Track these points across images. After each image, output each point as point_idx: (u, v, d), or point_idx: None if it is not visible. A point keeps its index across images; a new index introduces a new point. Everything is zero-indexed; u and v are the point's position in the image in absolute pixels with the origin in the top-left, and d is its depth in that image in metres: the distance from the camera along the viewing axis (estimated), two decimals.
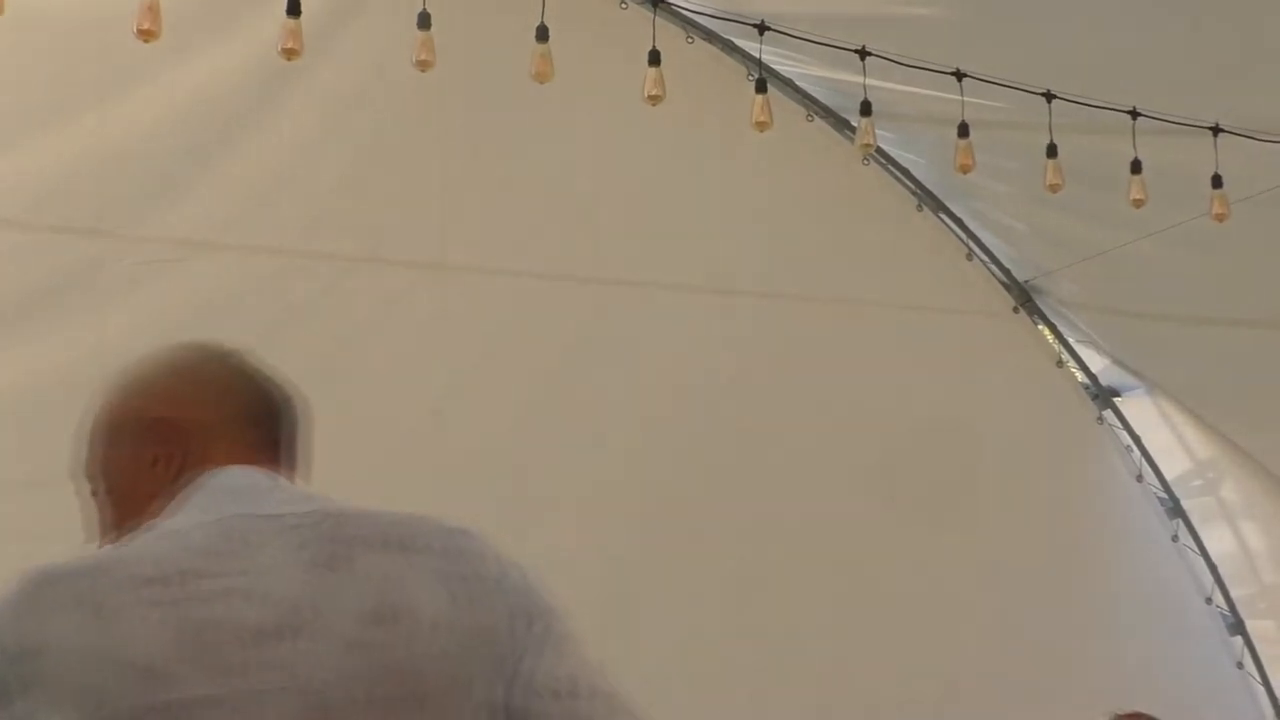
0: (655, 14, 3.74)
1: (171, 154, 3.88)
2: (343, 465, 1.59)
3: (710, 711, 3.96)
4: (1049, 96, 3.68)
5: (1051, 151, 3.68)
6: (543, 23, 3.30)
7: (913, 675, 4.37)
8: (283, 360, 1.38)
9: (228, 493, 1.22)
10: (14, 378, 3.73)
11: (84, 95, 3.76)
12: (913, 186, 4.71)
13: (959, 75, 3.72)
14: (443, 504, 1.37)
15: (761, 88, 3.73)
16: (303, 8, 3.20)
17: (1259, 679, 4.96)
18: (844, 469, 4.42)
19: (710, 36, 4.22)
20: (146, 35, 3.12)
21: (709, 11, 4.05)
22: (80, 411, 1.35)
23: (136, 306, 3.82)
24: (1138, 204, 3.75)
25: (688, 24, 4.14)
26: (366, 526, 1.22)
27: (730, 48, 4.23)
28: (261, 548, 1.16)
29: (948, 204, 4.76)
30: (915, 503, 4.34)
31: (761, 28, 3.78)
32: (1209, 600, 5.00)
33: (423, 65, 3.32)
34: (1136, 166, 3.72)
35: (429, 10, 3.24)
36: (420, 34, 3.26)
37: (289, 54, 3.28)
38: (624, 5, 4.04)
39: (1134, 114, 3.71)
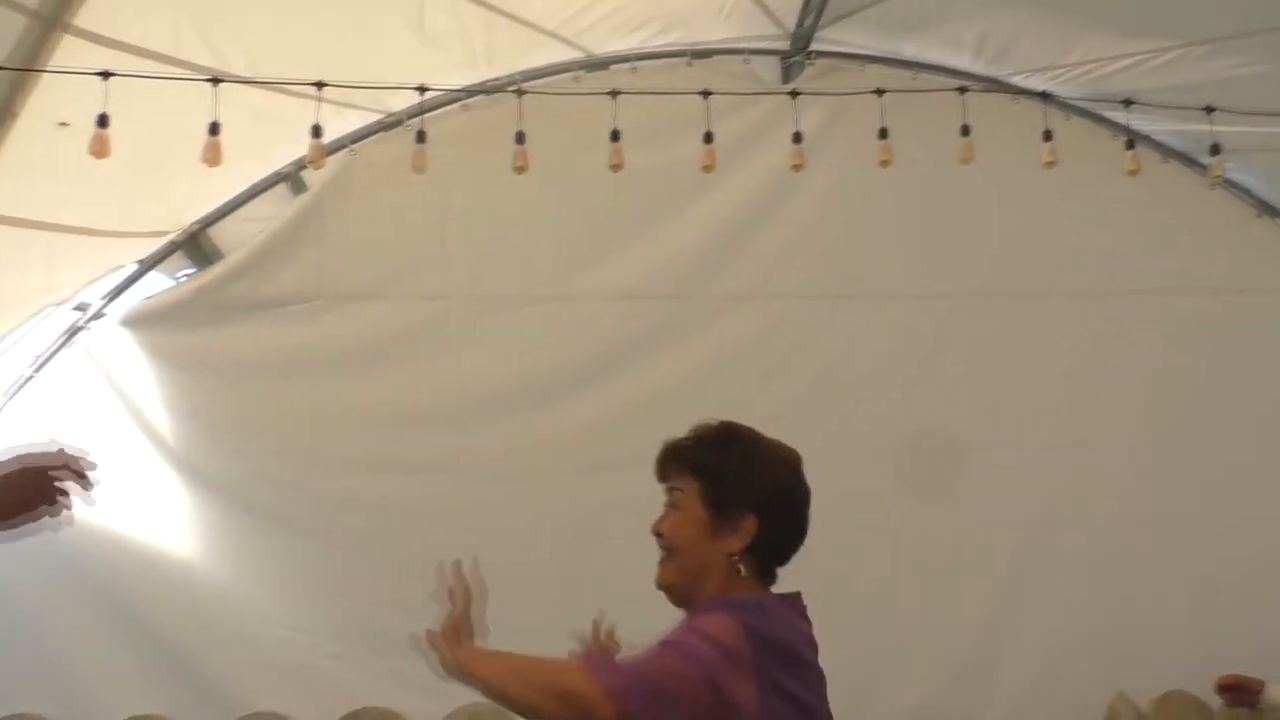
0: (1045, 104, 5.41)
1: (718, 240, 5.85)
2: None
3: None
4: None
5: None
6: (966, 124, 5.02)
7: None
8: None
9: None
10: (611, 411, 5.68)
11: (664, 207, 5.79)
12: (1252, 201, 6.06)
13: None
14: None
15: (1130, 145, 5.30)
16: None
17: None
18: None
19: (1083, 113, 5.79)
20: (707, 169, 5.09)
21: (1086, 96, 5.64)
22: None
23: (702, 350, 5.77)
24: None
25: (1065, 107, 5.74)
26: None
27: (1099, 119, 5.77)
28: None
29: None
30: None
31: (1127, 102, 5.35)
32: None
33: (884, 164, 5.08)
34: None
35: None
36: (880, 142, 5.02)
37: (798, 168, 5.17)
38: (1015, 100, 5.69)
39: None
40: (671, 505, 2.06)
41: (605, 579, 5.43)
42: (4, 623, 5.41)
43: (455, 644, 1.92)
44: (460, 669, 1.88)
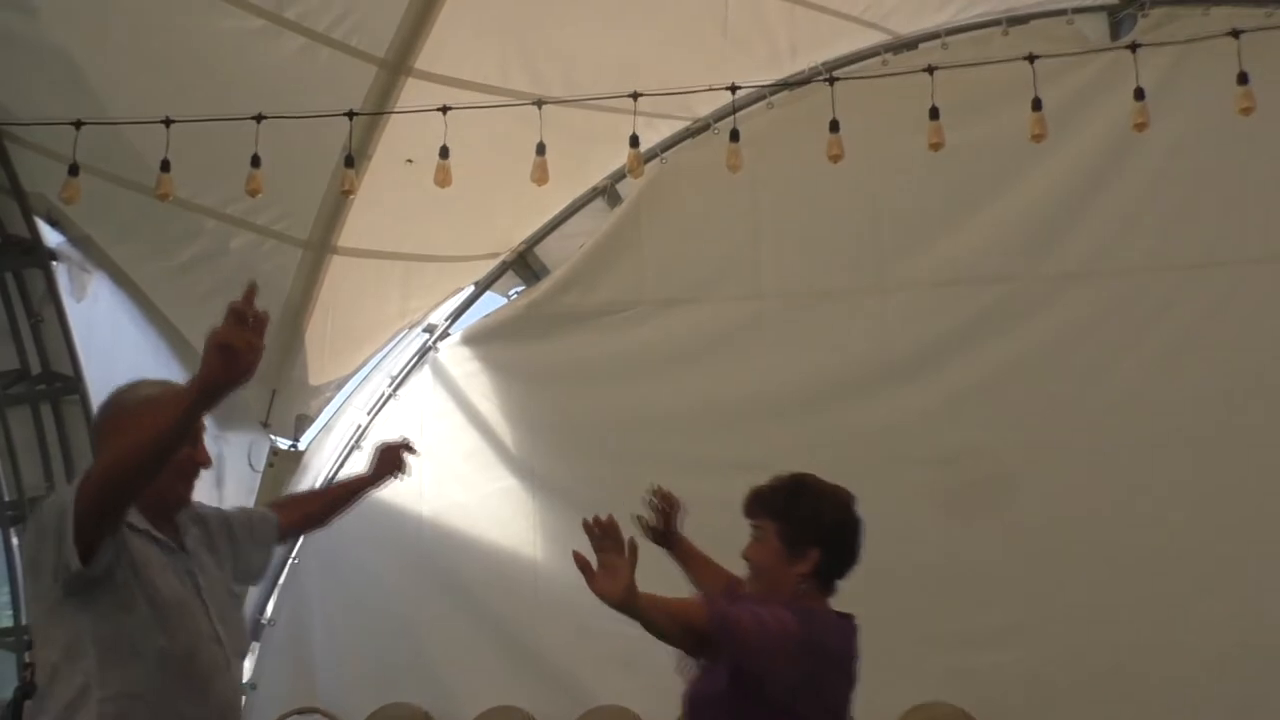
0: None
1: (1046, 216, 5.51)
2: None
3: None
4: None
5: None
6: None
7: None
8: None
9: None
10: (935, 403, 5.47)
11: (984, 185, 5.52)
12: None
13: None
14: None
15: None
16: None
17: None
18: None
19: None
20: (1037, 139, 4.74)
21: None
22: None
23: (1032, 335, 5.46)
24: None
25: None
26: None
27: None
28: None
29: None
30: None
31: None
32: None
33: (1245, 112, 4.56)
34: None
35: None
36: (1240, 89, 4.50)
37: (1141, 127, 4.74)
38: None
39: None
40: (756, 538, 2.65)
41: (931, 568, 5.33)
42: (380, 618, 5.92)
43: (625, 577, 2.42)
44: (627, 598, 2.39)
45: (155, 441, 2.06)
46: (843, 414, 5.54)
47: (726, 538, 5.35)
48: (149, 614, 2.23)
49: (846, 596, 5.82)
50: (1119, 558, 5.17)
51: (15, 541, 5.71)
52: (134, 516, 2.26)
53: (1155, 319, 5.40)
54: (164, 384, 2.44)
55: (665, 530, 3.08)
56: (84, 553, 2.11)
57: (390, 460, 3.01)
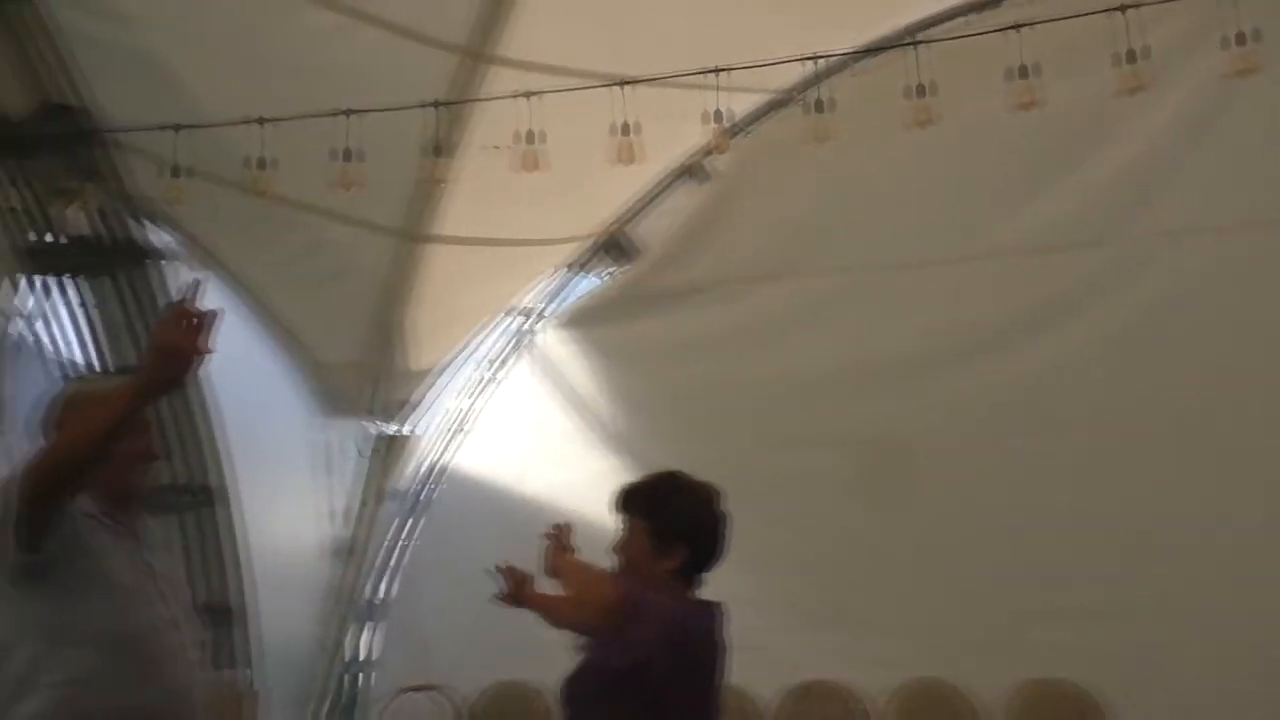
0: None
1: (1144, 172, 5.31)
2: None
3: None
4: None
5: None
6: None
7: None
8: None
9: None
10: (1030, 373, 5.34)
11: (1078, 143, 5.35)
12: None
13: None
14: None
15: None
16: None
17: None
18: None
19: None
20: (1133, 91, 4.57)
21: None
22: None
23: (1129, 300, 5.28)
24: None
25: None
26: None
27: None
28: None
29: None
30: None
31: None
32: None
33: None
34: None
35: None
36: None
37: (1241, 74, 4.53)
38: None
39: None
40: (625, 535, 2.72)
41: (1034, 539, 5.22)
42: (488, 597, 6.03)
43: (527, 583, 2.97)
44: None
45: (91, 435, 2.14)
46: (944, 382, 5.45)
47: (828, 514, 5.39)
48: (101, 599, 2.28)
49: (958, 573, 5.70)
50: (1245, 526, 4.96)
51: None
52: (88, 504, 2.33)
53: (1269, 276, 5.16)
54: (109, 379, 2.53)
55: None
56: (29, 541, 2.18)
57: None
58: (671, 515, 2.70)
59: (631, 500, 2.75)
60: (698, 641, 2.66)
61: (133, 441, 2.34)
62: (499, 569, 3.02)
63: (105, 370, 5.76)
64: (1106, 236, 5.34)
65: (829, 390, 5.60)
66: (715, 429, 5.77)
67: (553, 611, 2.85)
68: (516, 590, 2.97)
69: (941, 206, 5.54)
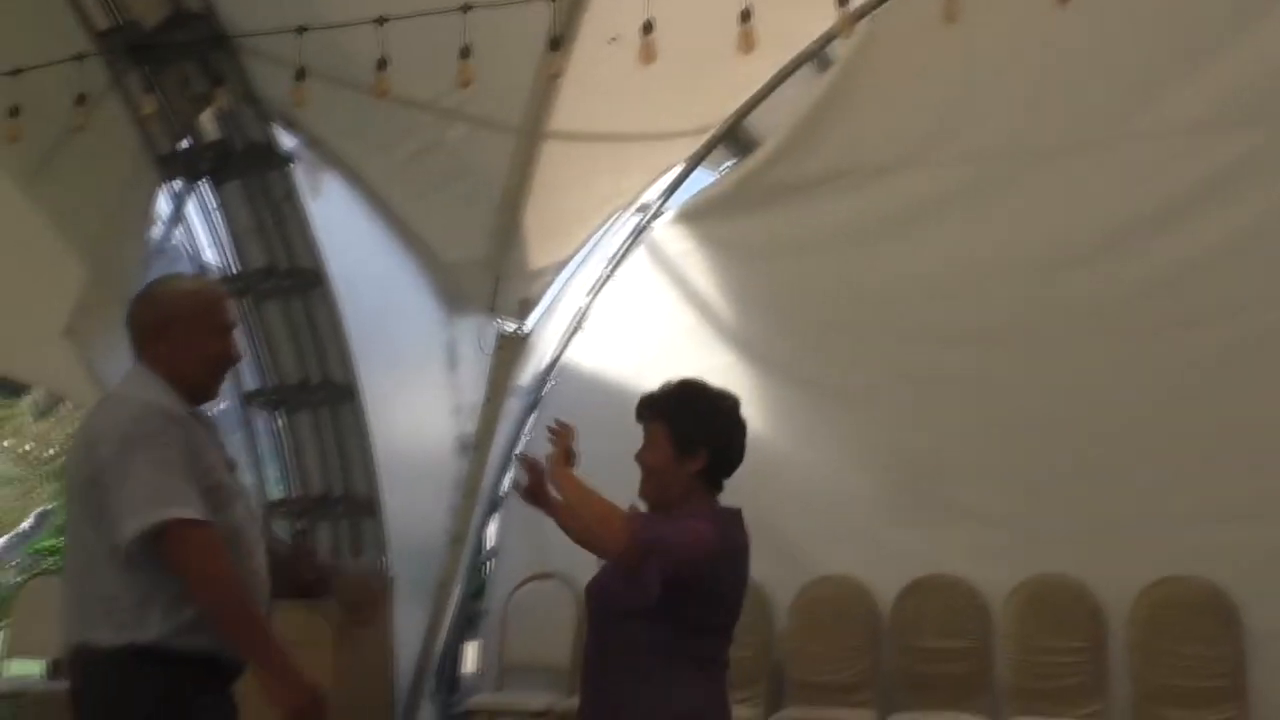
0: None
1: None
2: None
3: None
4: None
5: None
6: None
7: None
8: None
9: None
10: (1181, 262, 5.09)
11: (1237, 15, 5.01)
12: None
13: None
14: None
15: None
16: None
17: None
18: None
19: None
20: None
21: None
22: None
23: None
24: None
25: None
26: None
27: None
28: None
29: None
30: None
31: None
32: None
33: None
34: None
35: None
36: None
37: None
38: None
39: None
40: (648, 441, 2.78)
41: (1170, 438, 5.06)
42: (607, 490, 6.15)
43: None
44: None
45: (224, 595, 2.38)
46: (1076, 277, 5.25)
47: (953, 410, 5.29)
48: (210, 498, 2.44)
49: (1085, 470, 5.59)
50: None
51: (281, 423, 6.27)
52: (179, 406, 2.48)
53: None
54: (195, 278, 2.63)
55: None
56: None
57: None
58: (693, 418, 2.75)
59: (652, 405, 2.80)
60: (735, 553, 2.73)
61: (215, 344, 2.55)
62: (517, 458, 3.05)
63: (236, 273, 5.97)
64: (1264, 117, 5.00)
65: (956, 284, 5.45)
66: (834, 324, 5.71)
67: (563, 525, 2.86)
68: (534, 487, 2.90)
69: (1080, 90, 5.25)
